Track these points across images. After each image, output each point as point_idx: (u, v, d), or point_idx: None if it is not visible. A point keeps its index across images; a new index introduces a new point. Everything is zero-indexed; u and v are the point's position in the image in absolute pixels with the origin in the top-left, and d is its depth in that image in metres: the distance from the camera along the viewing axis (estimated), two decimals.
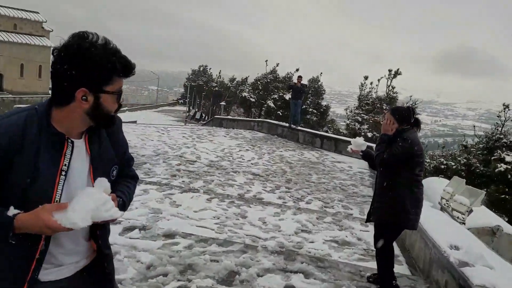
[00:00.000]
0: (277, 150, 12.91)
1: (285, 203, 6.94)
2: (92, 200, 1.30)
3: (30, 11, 53.80)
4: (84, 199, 1.30)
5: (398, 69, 22.28)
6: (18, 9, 52.48)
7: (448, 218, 5.19)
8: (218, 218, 5.60)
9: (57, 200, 1.36)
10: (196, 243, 4.41)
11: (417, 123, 3.64)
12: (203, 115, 40.23)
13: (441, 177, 10.37)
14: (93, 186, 1.40)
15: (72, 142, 1.43)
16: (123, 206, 1.56)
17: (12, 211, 1.28)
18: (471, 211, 5.65)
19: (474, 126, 15.98)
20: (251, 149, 12.54)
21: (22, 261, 1.35)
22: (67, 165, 1.40)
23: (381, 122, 3.77)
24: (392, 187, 3.51)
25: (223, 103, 33.94)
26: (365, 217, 6.52)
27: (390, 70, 22.30)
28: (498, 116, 13.90)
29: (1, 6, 50.79)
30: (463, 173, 13.10)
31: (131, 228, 4.62)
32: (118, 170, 1.62)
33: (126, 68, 1.41)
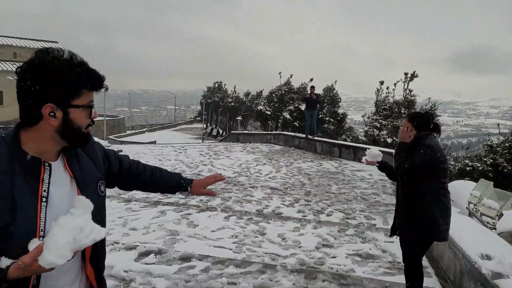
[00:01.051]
0: (295, 162, 12.72)
1: (305, 216, 6.75)
2: (66, 232, 1.18)
3: (49, 41, 55.41)
4: (57, 233, 1.18)
5: (414, 72, 21.90)
6: (37, 40, 54.16)
7: (477, 224, 4.90)
8: (236, 237, 5.45)
9: (41, 229, 1.27)
10: (213, 265, 4.27)
11: (436, 129, 3.42)
12: (220, 131, 40.36)
13: (467, 179, 9.98)
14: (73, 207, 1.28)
15: (50, 166, 1.34)
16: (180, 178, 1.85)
17: (4, 262, 1.19)
18: (501, 215, 5.35)
19: (498, 125, 15.43)
20: (268, 162, 12.39)
21: None
22: (46, 191, 1.31)
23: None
24: (418, 198, 3.28)
25: (239, 117, 33.97)
26: (389, 226, 6.31)
27: (406, 74, 21.93)
28: None
29: (21, 38, 52.57)
30: (490, 174, 12.62)
31: (146, 253, 4.52)
32: (108, 180, 1.61)
33: (93, 79, 1.34)
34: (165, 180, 1.86)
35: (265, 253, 4.87)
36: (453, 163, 15.10)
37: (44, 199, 1.29)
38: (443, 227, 3.27)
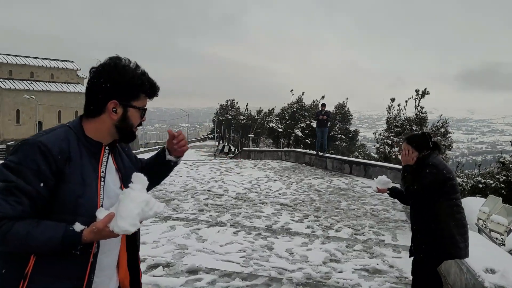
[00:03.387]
0: (305, 178, 12.76)
1: (314, 232, 6.77)
2: (137, 205, 1.38)
3: (65, 61, 56.79)
4: (128, 205, 1.38)
5: (425, 89, 21.90)
6: (54, 60, 55.56)
7: (485, 239, 4.89)
8: (244, 251, 5.51)
9: (101, 205, 1.47)
10: (220, 278, 4.33)
11: (436, 147, 3.49)
12: (232, 148, 40.59)
13: (478, 196, 9.90)
14: (132, 182, 1.48)
15: (109, 150, 1.58)
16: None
17: (78, 226, 1.38)
18: (510, 230, 5.32)
19: (510, 142, 15.32)
20: (279, 179, 12.45)
21: (78, 267, 1.45)
22: (104, 172, 1.53)
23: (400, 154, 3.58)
24: (433, 219, 3.29)
25: (251, 135, 34.16)
26: (398, 242, 6.31)
27: (417, 91, 21.94)
28: None
29: (38, 58, 53.96)
30: (503, 191, 12.50)
31: (155, 266, 4.60)
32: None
33: (152, 87, 1.61)
34: (159, 159, 1.86)
35: (272, 267, 4.91)
36: (466, 180, 14.97)
37: (102, 179, 1.51)
38: (462, 244, 3.25)
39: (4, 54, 50.72)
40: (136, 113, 1.57)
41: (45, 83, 52.19)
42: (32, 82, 51.05)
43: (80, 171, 1.45)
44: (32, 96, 44.94)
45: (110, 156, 1.60)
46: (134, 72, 1.53)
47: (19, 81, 49.81)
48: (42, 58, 54.75)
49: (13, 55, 51.75)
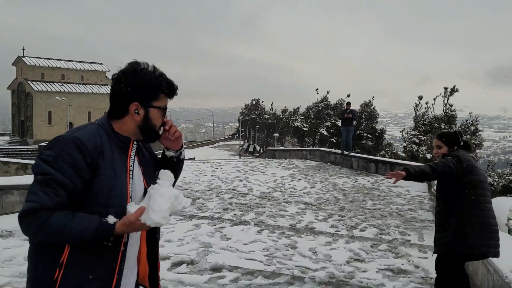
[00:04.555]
0: (330, 177, 12.67)
1: (338, 231, 6.73)
2: (167, 199, 1.48)
3: (94, 63, 58.18)
4: (159, 199, 1.47)
5: (454, 86, 21.39)
6: (83, 62, 57.02)
7: None
8: (267, 250, 5.53)
9: (130, 198, 1.57)
10: (243, 276, 4.38)
11: (467, 146, 3.50)
12: (257, 147, 40.69)
13: (510, 196, 9.60)
14: (159, 179, 1.58)
15: (137, 144, 1.68)
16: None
17: (111, 219, 1.47)
18: None
19: None
20: (303, 178, 12.41)
21: (110, 256, 1.53)
22: (132, 166, 1.62)
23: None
24: (451, 214, 3.31)
25: (276, 134, 34.15)
26: (424, 243, 6.20)
27: (445, 88, 21.44)
28: None
29: (69, 60, 55.50)
30: None
31: (179, 263, 4.69)
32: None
33: (170, 87, 1.67)
34: (163, 159, 1.86)
35: (295, 266, 4.92)
36: (497, 179, 14.55)
37: (131, 173, 1.61)
38: (475, 241, 3.20)
39: (37, 57, 52.44)
40: (157, 113, 1.65)
41: (75, 85, 53.69)
42: (63, 84, 52.58)
43: (112, 165, 1.54)
44: (63, 98, 46.31)
45: (135, 154, 1.68)
46: (152, 74, 1.61)
47: (50, 83, 51.39)
48: (72, 61, 56.24)
49: (45, 58, 53.42)
